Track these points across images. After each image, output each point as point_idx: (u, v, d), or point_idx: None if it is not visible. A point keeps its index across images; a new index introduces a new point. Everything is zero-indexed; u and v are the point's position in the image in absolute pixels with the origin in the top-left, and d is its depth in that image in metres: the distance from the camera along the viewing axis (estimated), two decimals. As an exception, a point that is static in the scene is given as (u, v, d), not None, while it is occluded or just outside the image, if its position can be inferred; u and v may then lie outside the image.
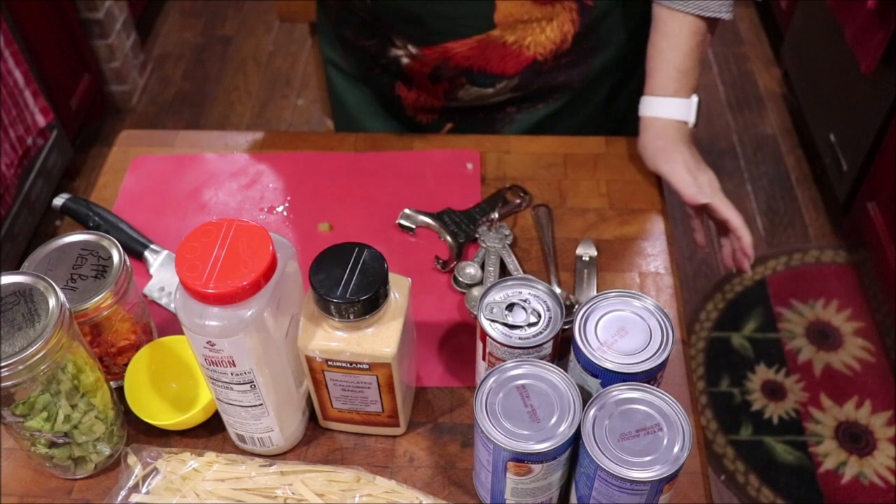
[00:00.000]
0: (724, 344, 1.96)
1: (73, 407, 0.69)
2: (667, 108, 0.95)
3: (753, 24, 2.82)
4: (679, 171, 0.93)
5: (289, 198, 0.98)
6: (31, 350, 0.62)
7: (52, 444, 0.70)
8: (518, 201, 0.97)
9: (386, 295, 0.67)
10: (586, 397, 0.64)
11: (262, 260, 0.63)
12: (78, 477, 0.75)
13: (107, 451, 0.74)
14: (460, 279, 0.88)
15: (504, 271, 0.89)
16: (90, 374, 0.69)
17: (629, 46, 1.03)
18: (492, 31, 0.95)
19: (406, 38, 0.98)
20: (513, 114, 1.07)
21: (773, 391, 1.86)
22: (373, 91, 1.11)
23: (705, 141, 2.44)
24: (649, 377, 0.67)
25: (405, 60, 1.00)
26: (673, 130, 0.95)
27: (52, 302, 0.64)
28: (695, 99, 0.96)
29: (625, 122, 1.06)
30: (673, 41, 0.94)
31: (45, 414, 0.67)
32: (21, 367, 0.62)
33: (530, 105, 1.06)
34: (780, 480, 1.72)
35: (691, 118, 0.95)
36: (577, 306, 0.82)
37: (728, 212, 0.92)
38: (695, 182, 0.92)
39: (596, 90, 1.06)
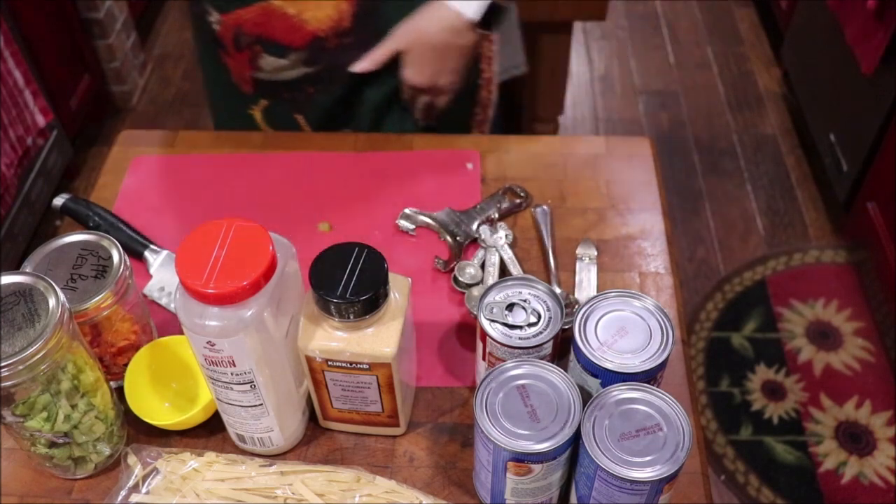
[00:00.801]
0: (724, 344, 1.96)
1: (73, 407, 0.69)
2: None
3: (753, 24, 2.82)
4: (392, 43, 1.01)
5: (289, 198, 0.98)
6: (31, 350, 0.62)
7: (52, 444, 0.70)
8: (518, 201, 0.97)
9: (386, 295, 0.67)
10: (586, 397, 0.64)
11: (262, 260, 0.63)
12: (78, 477, 0.75)
13: (107, 451, 0.74)
14: (460, 279, 0.88)
15: (504, 271, 0.89)
16: (90, 374, 0.69)
17: None
18: (272, 0, 0.98)
19: (212, 5, 1.03)
20: (312, 95, 1.09)
21: (773, 391, 1.86)
22: (210, 56, 1.14)
23: (705, 141, 2.44)
24: (649, 377, 0.67)
25: (216, 27, 1.04)
26: (446, 21, 0.98)
27: (52, 302, 0.64)
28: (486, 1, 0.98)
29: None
30: None
31: (45, 414, 0.67)
32: (21, 367, 0.62)
33: (325, 87, 1.07)
34: (780, 480, 1.72)
35: (471, 13, 0.98)
36: (577, 306, 0.82)
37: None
38: (381, 56, 1.01)
39: (387, 74, 1.07)
